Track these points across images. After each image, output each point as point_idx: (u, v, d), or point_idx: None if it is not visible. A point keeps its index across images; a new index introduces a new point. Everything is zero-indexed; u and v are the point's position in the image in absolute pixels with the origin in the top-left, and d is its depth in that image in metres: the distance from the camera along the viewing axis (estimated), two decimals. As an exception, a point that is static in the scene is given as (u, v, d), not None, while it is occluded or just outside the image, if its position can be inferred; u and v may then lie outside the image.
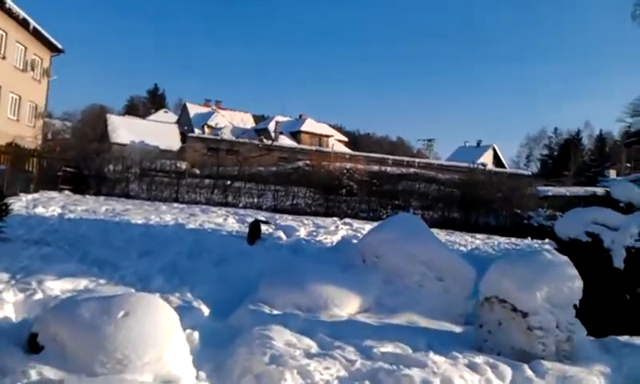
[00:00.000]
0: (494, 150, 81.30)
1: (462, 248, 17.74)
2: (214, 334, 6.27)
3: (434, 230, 24.43)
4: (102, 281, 8.15)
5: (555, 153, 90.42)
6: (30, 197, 21.79)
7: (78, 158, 30.19)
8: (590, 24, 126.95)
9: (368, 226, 21.56)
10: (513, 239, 23.01)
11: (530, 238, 23.74)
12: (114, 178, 29.11)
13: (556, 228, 9.26)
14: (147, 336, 4.62)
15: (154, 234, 13.82)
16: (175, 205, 24.27)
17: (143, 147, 44.95)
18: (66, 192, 26.14)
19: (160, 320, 4.87)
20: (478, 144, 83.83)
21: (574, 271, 6.39)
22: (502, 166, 70.95)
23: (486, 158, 72.07)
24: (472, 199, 28.78)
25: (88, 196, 25.50)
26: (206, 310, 7.22)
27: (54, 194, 24.61)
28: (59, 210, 17.68)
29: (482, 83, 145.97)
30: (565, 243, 8.61)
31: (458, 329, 7.48)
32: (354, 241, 16.77)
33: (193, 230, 15.49)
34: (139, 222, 16.28)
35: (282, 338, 5.76)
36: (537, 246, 20.39)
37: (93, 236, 12.43)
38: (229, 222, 18.57)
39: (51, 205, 18.91)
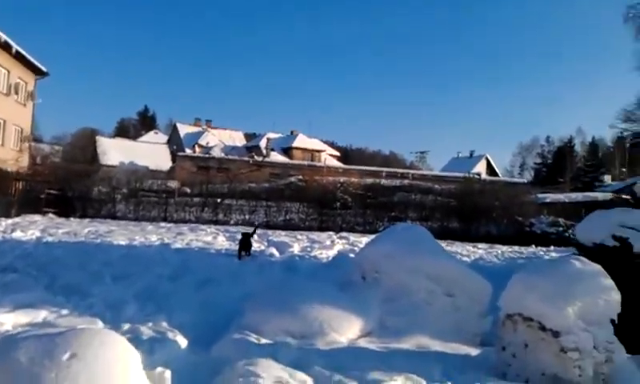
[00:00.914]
0: (487, 160, 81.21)
1: (466, 258, 16.76)
2: (191, 371, 5.30)
3: (433, 242, 23.74)
4: (64, 311, 7.13)
5: (549, 161, 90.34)
6: (10, 221, 20.81)
7: (62, 180, 29.14)
8: (580, 28, 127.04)
9: (365, 239, 20.60)
10: (516, 247, 22.06)
11: (534, 246, 22.84)
12: (100, 199, 28.06)
13: (577, 232, 8.37)
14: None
15: (135, 256, 12.79)
16: (163, 224, 23.26)
17: (132, 168, 44.05)
18: (50, 215, 25.11)
19: (115, 361, 3.93)
20: (471, 154, 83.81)
21: (609, 281, 5.46)
22: (496, 175, 70.36)
23: (480, 168, 71.69)
24: (470, 208, 27.83)
25: (73, 218, 24.45)
26: (183, 342, 6.21)
27: (36, 217, 23.58)
28: (38, 234, 16.66)
29: (473, 93, 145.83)
30: (588, 249, 7.71)
31: (474, 351, 6.55)
32: (351, 255, 15.89)
33: (178, 250, 14.45)
34: (122, 243, 15.26)
35: (270, 373, 4.80)
36: (542, 253, 19.48)
37: (68, 260, 11.35)
38: (218, 240, 17.60)
39: (31, 228, 17.91)
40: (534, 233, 25.69)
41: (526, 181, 59.15)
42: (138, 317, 7.16)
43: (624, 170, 73.70)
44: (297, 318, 6.41)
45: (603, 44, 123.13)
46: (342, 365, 5.39)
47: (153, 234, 17.80)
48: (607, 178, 66.17)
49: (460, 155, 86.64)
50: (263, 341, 6.13)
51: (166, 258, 12.61)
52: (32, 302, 7.28)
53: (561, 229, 25.65)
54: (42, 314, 6.83)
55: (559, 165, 78.26)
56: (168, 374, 4.90)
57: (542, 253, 19.70)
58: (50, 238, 15.74)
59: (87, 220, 24.07)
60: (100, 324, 6.58)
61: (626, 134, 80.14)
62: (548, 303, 5.28)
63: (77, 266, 10.64)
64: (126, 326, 6.49)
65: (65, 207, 26.73)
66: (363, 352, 6.05)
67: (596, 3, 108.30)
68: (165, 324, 6.77)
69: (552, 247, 22.12)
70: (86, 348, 3.87)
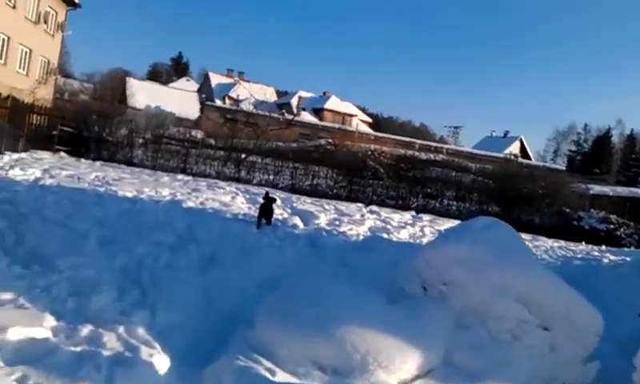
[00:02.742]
0: (522, 142, 78.57)
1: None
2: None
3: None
4: (5, 295, 5.14)
5: (584, 149, 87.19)
6: (15, 156, 19.08)
7: (81, 118, 27.24)
8: (625, 19, 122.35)
9: (397, 216, 18.69)
10: (562, 242, 19.76)
11: (584, 243, 20.45)
12: (118, 142, 26.13)
13: None
14: None
15: (137, 213, 10.85)
16: (180, 177, 21.27)
17: (158, 112, 42.35)
18: (61, 154, 23.33)
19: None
20: (505, 135, 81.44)
21: None
22: (529, 158, 67.56)
23: (513, 150, 68.99)
24: (512, 193, 25.49)
25: (84, 160, 22.62)
26: (163, 363, 4.28)
27: (45, 154, 21.80)
28: (38, 174, 14.87)
29: (511, 72, 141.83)
30: None
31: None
32: (385, 235, 13.96)
33: (189, 211, 12.46)
34: (128, 195, 13.33)
35: None
36: (596, 253, 17.21)
37: (54, 212, 9.39)
38: (237, 201, 15.66)
39: (33, 167, 16.12)
40: (582, 228, 23.20)
41: (564, 168, 56.43)
42: (109, 312, 5.20)
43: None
44: (329, 344, 4.44)
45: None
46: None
47: (166, 188, 15.90)
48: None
49: (494, 134, 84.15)
50: (279, 374, 4.19)
51: (172, 220, 10.65)
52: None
53: (612, 226, 23.22)
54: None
55: (597, 155, 75.20)
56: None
57: (595, 253, 17.36)
58: (49, 181, 13.93)
59: (99, 163, 22.14)
60: (49, 322, 4.68)
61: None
62: None
63: (61, 222, 8.66)
64: (85, 331, 4.57)
65: (79, 147, 24.95)
66: (423, 407, 4.11)
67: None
68: (142, 330, 4.80)
69: (603, 247, 19.76)
70: None
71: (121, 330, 4.73)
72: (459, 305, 5.18)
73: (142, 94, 57.00)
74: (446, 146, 54.64)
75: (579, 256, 15.69)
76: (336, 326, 4.52)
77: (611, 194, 34.38)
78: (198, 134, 31.05)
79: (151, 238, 8.64)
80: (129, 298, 5.74)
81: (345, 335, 4.46)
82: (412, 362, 4.58)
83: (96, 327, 4.68)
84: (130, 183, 15.76)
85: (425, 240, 14.65)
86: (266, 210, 12.05)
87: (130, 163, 24.32)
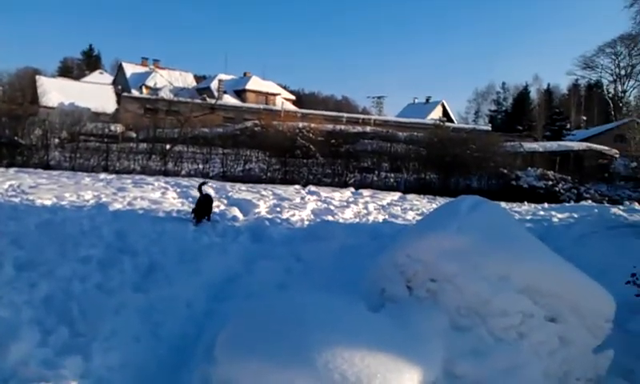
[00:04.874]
0: (444, 106, 79.77)
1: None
2: None
3: (411, 196, 21.18)
4: None
5: (504, 108, 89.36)
6: None
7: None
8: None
9: (337, 195, 18.07)
10: (504, 204, 19.51)
11: (526, 203, 20.32)
12: (32, 144, 24.34)
13: None
14: None
15: (58, 224, 9.68)
16: (102, 176, 19.92)
17: (72, 109, 40.22)
18: (-29, 164, 21.60)
19: None
20: (427, 100, 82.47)
21: None
22: (452, 122, 68.33)
23: (436, 115, 69.91)
24: (447, 159, 25.16)
25: (-4, 168, 20.95)
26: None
27: (-48, 167, 20.08)
28: (-57, 190, 13.44)
29: (430, 35, 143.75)
30: None
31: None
32: (330, 217, 13.27)
33: (117, 214, 11.32)
34: (46, 203, 12.04)
35: None
36: (542, 213, 16.99)
37: None
38: (168, 197, 14.63)
39: (-64, 183, 14.61)
40: (521, 187, 23.18)
41: (490, 128, 57.11)
42: (32, 364, 4.07)
43: (584, 117, 73.02)
44: (313, 375, 3.61)
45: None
46: None
47: (88, 190, 14.64)
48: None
49: (416, 101, 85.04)
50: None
51: (99, 228, 9.54)
52: None
53: (550, 183, 23.26)
54: None
55: (517, 112, 76.90)
56: None
57: (541, 212, 17.14)
58: (-45, 197, 12.53)
59: (13, 170, 20.46)
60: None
61: (581, 81, 79.90)
62: None
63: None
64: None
65: (-10, 155, 23.12)
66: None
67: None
68: (75, 385, 3.87)
69: (545, 204, 19.69)
70: None
71: (49, 387, 3.75)
72: (453, 304, 4.41)
73: (55, 92, 54.67)
74: (373, 117, 54.40)
75: (528, 218, 15.38)
76: (317, 350, 3.67)
77: (541, 149, 34.81)
78: (118, 128, 29.76)
79: (77, 253, 7.51)
80: (55, 339, 4.61)
81: (329, 361, 3.60)
82: (410, 382, 3.81)
83: (15, 392, 3.69)
84: (47, 189, 14.45)
85: (371, 218, 14.05)
86: (207, 206, 11.15)
87: (47, 166, 22.72)
